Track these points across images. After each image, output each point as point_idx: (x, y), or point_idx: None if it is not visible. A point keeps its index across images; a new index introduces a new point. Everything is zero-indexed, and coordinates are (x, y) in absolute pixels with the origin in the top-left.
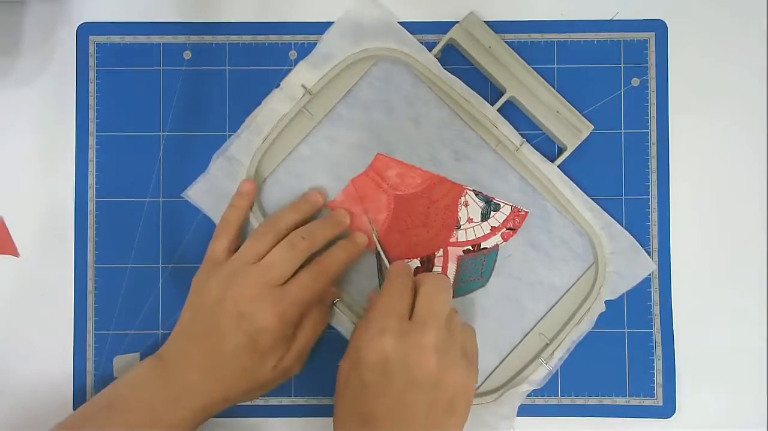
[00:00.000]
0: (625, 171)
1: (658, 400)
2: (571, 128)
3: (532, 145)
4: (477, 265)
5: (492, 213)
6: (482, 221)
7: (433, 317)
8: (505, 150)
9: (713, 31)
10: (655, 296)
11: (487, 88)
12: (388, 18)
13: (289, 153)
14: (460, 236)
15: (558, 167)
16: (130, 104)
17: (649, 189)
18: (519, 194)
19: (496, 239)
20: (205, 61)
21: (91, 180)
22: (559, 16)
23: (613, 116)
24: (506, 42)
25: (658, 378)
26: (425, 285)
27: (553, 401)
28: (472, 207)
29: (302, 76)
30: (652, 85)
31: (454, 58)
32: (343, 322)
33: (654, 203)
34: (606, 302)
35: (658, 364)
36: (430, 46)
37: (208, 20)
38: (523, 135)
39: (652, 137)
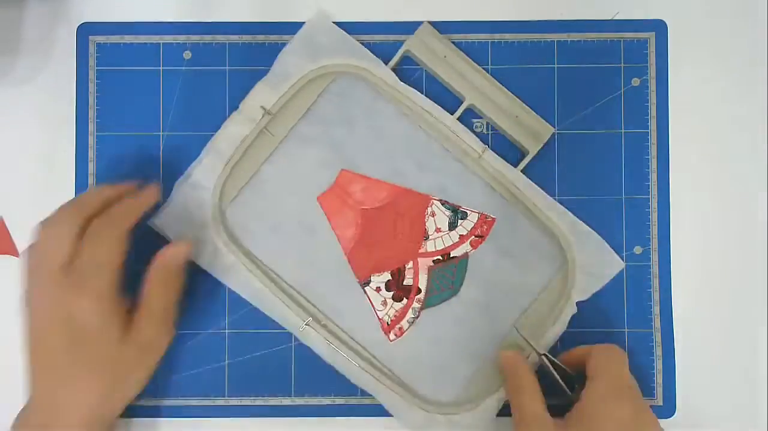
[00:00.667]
0: (625, 171)
1: (658, 400)
2: (531, 132)
3: (495, 151)
4: (448, 274)
5: (459, 221)
6: (450, 230)
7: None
8: (468, 158)
9: (714, 30)
10: (655, 296)
11: (447, 96)
12: (343, 34)
13: (253, 175)
14: (429, 246)
15: (522, 171)
16: (130, 104)
17: (649, 189)
18: (485, 201)
19: (465, 247)
20: (205, 61)
21: (91, 180)
22: (558, 16)
23: (613, 116)
24: (505, 42)
25: (659, 378)
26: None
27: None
28: (440, 217)
29: (261, 97)
30: (652, 85)
31: (414, 68)
32: (316, 341)
33: (654, 203)
34: (606, 301)
35: (659, 364)
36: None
37: (208, 20)
38: (486, 142)
39: (652, 137)
